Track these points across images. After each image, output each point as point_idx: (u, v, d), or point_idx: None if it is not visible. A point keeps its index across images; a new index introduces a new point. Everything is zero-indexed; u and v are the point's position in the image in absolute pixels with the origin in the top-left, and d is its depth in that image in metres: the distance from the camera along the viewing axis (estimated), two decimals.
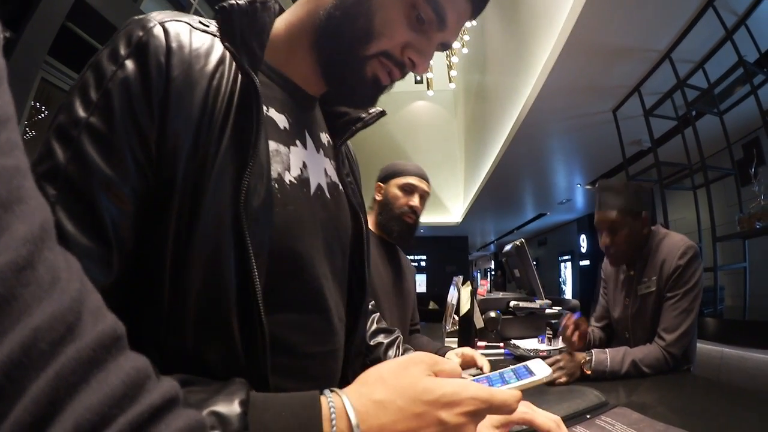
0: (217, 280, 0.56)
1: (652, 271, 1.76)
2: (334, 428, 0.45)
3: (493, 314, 2.28)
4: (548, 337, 2.22)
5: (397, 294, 2.01)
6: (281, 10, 0.75)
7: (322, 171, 0.77)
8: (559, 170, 7.93)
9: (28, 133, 3.20)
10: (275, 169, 0.66)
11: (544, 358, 1.67)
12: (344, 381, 0.78)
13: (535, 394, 0.87)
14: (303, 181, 0.71)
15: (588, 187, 8.34)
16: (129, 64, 0.56)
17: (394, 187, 2.01)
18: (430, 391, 0.48)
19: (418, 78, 9.76)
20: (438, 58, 8.16)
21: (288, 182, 0.68)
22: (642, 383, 1.49)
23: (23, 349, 0.24)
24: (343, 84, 0.73)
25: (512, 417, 0.74)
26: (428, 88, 9.12)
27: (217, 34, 0.64)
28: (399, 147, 11.94)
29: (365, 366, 0.55)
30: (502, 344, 2.17)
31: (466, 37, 8.37)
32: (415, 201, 1.99)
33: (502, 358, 2.01)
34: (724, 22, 3.34)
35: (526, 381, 0.61)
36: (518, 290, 3.29)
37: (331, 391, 0.49)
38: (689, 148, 4.16)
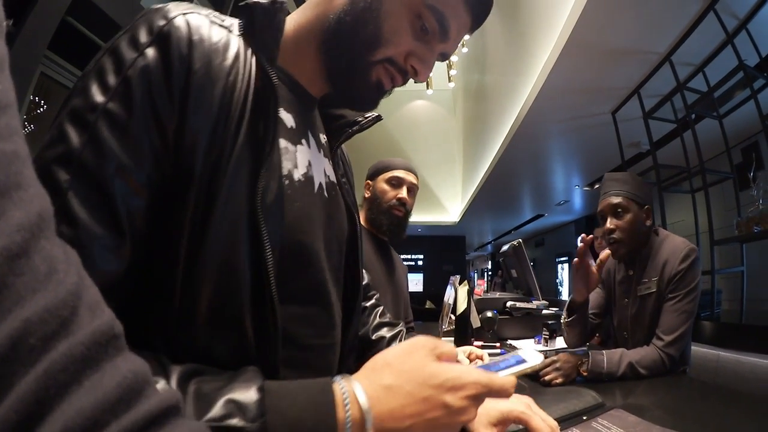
0: (231, 273, 0.57)
1: (653, 272, 1.77)
2: (348, 413, 0.47)
3: (489, 314, 2.27)
4: (545, 338, 2.22)
5: (390, 292, 2.02)
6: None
7: (322, 171, 0.78)
8: (557, 171, 7.93)
9: (27, 127, 3.19)
10: (285, 166, 0.68)
11: None
12: None
13: (532, 394, 0.87)
14: (309, 179, 0.73)
15: (586, 188, 8.35)
16: (150, 52, 0.56)
17: (381, 182, 2.04)
18: (436, 376, 0.51)
19: None
20: None
21: (297, 180, 0.70)
22: (638, 385, 1.49)
23: (12, 342, 0.23)
24: (349, 87, 0.74)
25: (509, 416, 0.75)
26: (427, 87, 9.11)
27: (232, 29, 0.65)
28: (397, 146, 11.92)
29: (366, 360, 0.56)
30: (498, 344, 2.17)
31: (466, 36, 8.35)
32: (403, 193, 2.01)
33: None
34: (725, 26, 3.34)
35: (520, 367, 0.65)
36: (515, 290, 3.30)
37: (342, 377, 0.51)
38: (688, 151, 4.17)
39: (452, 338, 2.09)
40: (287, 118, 0.72)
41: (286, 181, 0.67)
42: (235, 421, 0.45)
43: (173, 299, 0.55)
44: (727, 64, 3.65)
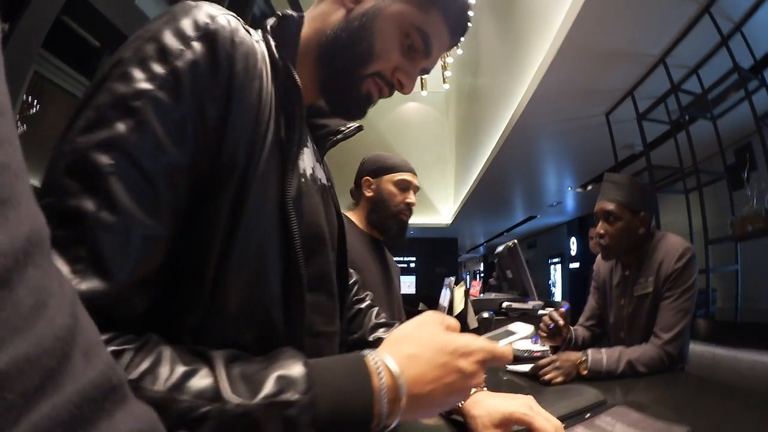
0: (263, 266, 0.61)
1: (649, 272, 1.78)
2: (382, 380, 0.53)
3: (486, 315, 2.28)
4: (541, 338, 2.22)
5: (386, 293, 1.99)
6: None
7: (319, 173, 0.85)
8: (550, 173, 7.95)
9: (19, 127, 3.15)
10: (301, 165, 0.74)
11: (538, 358, 1.68)
12: None
13: (533, 393, 0.87)
14: (314, 177, 0.80)
15: (579, 190, 8.38)
16: (198, 46, 0.57)
17: (388, 184, 1.96)
18: (449, 343, 0.59)
19: None
20: None
21: (308, 176, 0.77)
22: (638, 382, 1.50)
23: None
24: (341, 97, 0.80)
25: (512, 417, 0.77)
26: (422, 89, 9.14)
27: (252, 33, 0.70)
28: (389, 147, 11.87)
29: None
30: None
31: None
32: (412, 198, 1.97)
33: None
34: (720, 28, 3.36)
35: (514, 338, 0.79)
36: (510, 291, 3.30)
37: (370, 351, 0.57)
38: (682, 152, 4.20)
39: None
40: None
41: (302, 179, 0.73)
42: (288, 395, 0.48)
43: (202, 291, 0.56)
44: (722, 67, 3.68)
